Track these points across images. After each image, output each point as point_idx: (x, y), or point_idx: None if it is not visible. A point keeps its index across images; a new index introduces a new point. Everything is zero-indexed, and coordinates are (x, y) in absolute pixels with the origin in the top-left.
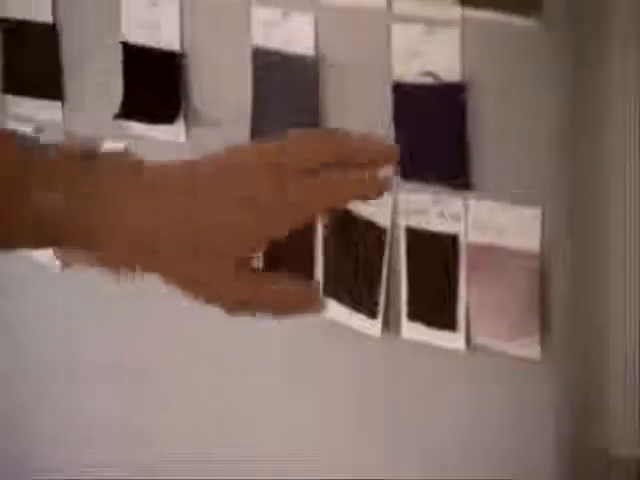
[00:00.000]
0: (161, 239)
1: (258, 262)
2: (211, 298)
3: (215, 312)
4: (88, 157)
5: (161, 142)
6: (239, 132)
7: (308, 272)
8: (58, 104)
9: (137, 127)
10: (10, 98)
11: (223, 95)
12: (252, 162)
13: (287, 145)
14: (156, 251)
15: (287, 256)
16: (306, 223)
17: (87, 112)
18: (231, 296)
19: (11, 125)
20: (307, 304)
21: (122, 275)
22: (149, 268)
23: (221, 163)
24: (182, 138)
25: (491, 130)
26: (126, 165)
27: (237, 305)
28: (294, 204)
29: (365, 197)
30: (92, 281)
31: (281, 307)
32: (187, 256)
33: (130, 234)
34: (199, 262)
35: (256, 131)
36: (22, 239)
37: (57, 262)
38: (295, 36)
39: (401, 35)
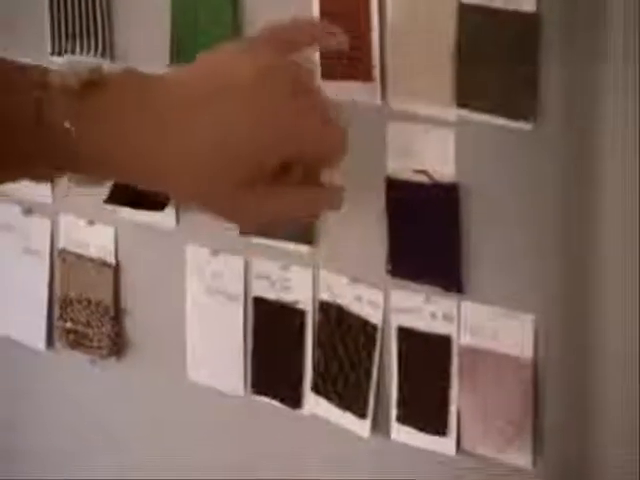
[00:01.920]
0: (173, 157)
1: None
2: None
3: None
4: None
5: (152, 227)
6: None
7: (297, 368)
8: (48, 186)
9: (126, 211)
10: None
11: None
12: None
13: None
14: (170, 171)
15: (276, 352)
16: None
17: (78, 194)
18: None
19: (1, 206)
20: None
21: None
22: (164, 187)
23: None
24: (171, 225)
25: (485, 232)
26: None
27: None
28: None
29: None
30: None
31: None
32: (201, 172)
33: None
34: (210, 179)
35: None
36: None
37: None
38: None
39: (396, 132)
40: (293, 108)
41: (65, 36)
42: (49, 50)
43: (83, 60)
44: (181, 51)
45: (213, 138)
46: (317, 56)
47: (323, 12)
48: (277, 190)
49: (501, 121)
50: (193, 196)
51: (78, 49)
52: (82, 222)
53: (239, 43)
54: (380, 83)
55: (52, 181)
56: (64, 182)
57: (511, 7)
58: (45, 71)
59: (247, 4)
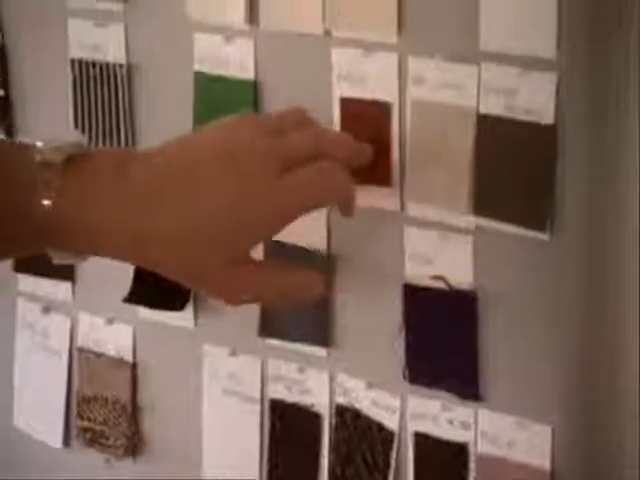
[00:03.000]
0: (158, 232)
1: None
2: (213, 290)
3: None
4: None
5: (170, 327)
6: (249, 322)
7: (313, 472)
8: (68, 284)
9: (145, 310)
10: (20, 276)
11: None
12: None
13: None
14: (154, 244)
15: (291, 455)
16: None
17: (97, 293)
18: (232, 288)
19: (20, 304)
20: (309, 290)
21: None
22: (148, 262)
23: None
24: (190, 325)
25: (503, 340)
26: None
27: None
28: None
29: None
30: None
31: (284, 297)
32: (185, 247)
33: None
34: (197, 254)
35: (265, 325)
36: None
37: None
38: (307, 229)
39: (414, 239)
40: (279, 186)
41: (89, 140)
42: None
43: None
44: None
45: (197, 214)
46: None
47: (344, 116)
48: (263, 269)
49: (518, 230)
50: (178, 271)
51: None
52: (101, 320)
53: (226, 120)
54: (399, 189)
55: (29, 255)
56: (84, 280)
57: (529, 118)
58: (27, 147)
59: (265, 98)
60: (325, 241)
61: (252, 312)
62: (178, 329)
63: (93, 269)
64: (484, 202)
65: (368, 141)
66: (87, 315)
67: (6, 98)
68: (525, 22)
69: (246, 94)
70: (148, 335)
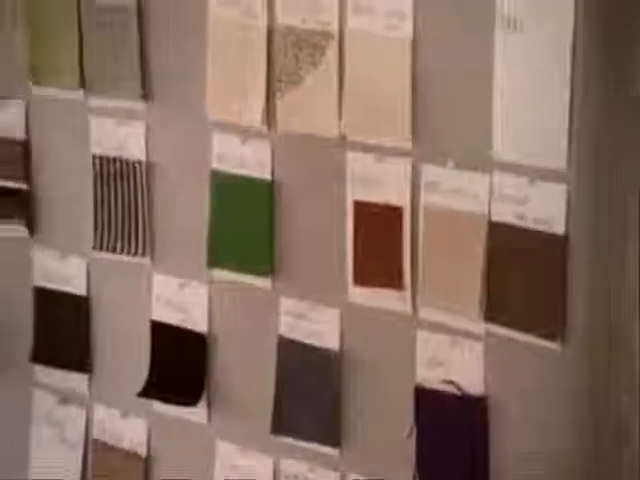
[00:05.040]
0: None
1: None
2: None
3: None
4: None
5: (184, 422)
6: (261, 419)
7: None
8: (85, 376)
9: (159, 405)
10: (38, 367)
11: (248, 383)
12: None
13: None
14: None
15: None
16: None
17: (113, 385)
18: None
19: (37, 395)
20: None
21: None
22: None
23: None
24: (204, 420)
25: (511, 445)
26: None
27: None
28: None
29: None
30: None
31: None
32: None
33: None
34: None
35: (277, 424)
36: None
37: None
38: (321, 329)
39: (425, 342)
40: None
41: (108, 234)
42: (92, 245)
43: (124, 260)
44: (218, 253)
45: None
46: (351, 262)
47: (357, 219)
48: None
49: (529, 338)
50: None
51: (119, 248)
52: (116, 413)
53: None
54: (411, 293)
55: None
56: (100, 372)
57: (540, 227)
58: None
59: (283, 213)
60: (338, 341)
61: (265, 409)
62: (191, 424)
63: (109, 361)
64: (495, 309)
65: (380, 244)
66: (102, 407)
67: (28, 192)
68: (537, 134)
69: (262, 194)
70: (162, 429)
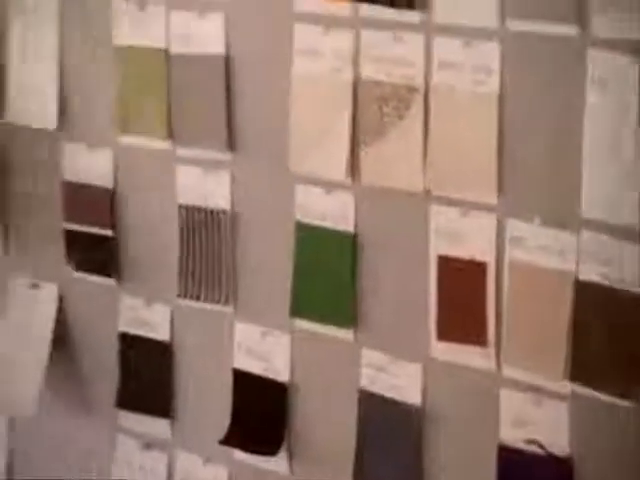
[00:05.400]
0: None
1: None
2: None
3: None
4: None
5: (264, 471)
6: (342, 471)
7: None
8: (168, 422)
9: (240, 453)
10: (122, 413)
11: (328, 434)
12: None
13: None
14: None
15: None
16: None
17: (195, 432)
18: None
19: (120, 440)
20: None
21: None
22: None
23: None
24: (284, 470)
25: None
26: None
27: None
28: None
29: None
30: None
31: None
32: None
33: None
34: None
35: (358, 476)
36: None
37: None
38: (402, 383)
39: (509, 400)
40: None
41: (192, 282)
42: (176, 292)
43: (207, 308)
44: (300, 304)
45: None
46: (434, 316)
47: (440, 274)
48: None
49: (614, 399)
50: None
51: (203, 296)
52: (198, 460)
53: None
54: (495, 350)
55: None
56: (183, 418)
57: (627, 287)
58: None
59: (366, 265)
60: (419, 396)
61: (346, 461)
62: (272, 474)
63: (192, 407)
64: (580, 369)
65: (464, 299)
66: (185, 453)
67: (114, 240)
68: (625, 192)
69: (345, 246)
70: (243, 478)
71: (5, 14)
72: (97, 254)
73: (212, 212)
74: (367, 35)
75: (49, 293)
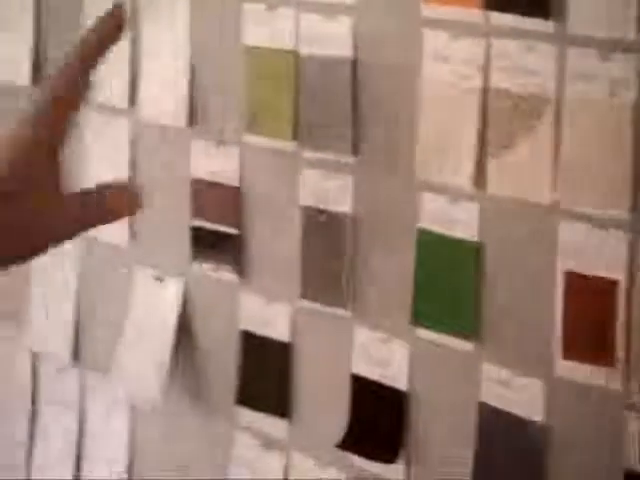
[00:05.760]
0: None
1: None
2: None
3: None
4: None
5: (380, 478)
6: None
7: None
8: (285, 422)
9: (358, 459)
10: (241, 410)
11: (447, 445)
12: None
13: None
14: None
15: None
16: None
17: (312, 435)
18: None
19: (238, 438)
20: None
21: None
22: None
23: None
24: (401, 478)
25: None
26: None
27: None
28: None
29: None
30: None
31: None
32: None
33: None
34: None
35: None
36: None
37: None
38: (524, 399)
39: (637, 424)
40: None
41: (313, 284)
42: (297, 293)
43: (327, 311)
44: (421, 312)
45: None
46: (559, 334)
47: (567, 291)
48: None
49: None
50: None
51: (323, 298)
52: (315, 462)
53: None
54: (623, 371)
55: None
56: (300, 418)
57: None
58: None
59: (490, 277)
60: (542, 413)
61: (464, 473)
62: None
63: (309, 409)
64: None
65: (592, 318)
66: (301, 455)
67: (239, 238)
68: None
69: (469, 256)
70: None
71: (138, 12)
72: (222, 252)
73: (334, 215)
74: (498, 43)
75: (174, 287)
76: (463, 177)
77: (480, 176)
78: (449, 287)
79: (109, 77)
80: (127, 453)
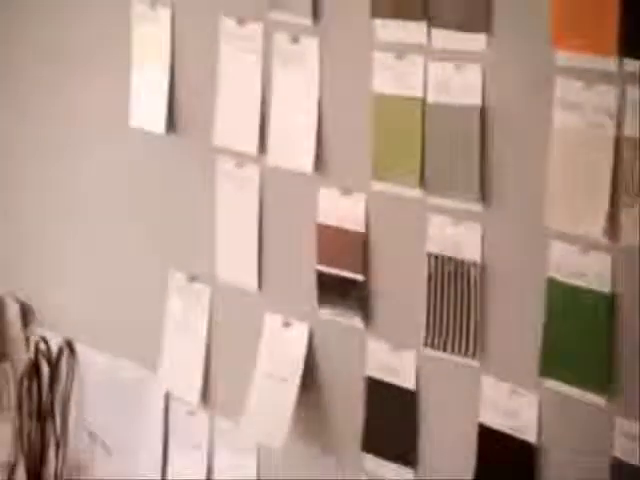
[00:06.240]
0: None
1: None
2: None
3: None
4: None
5: None
6: None
7: None
8: (411, 470)
9: None
10: (367, 456)
11: None
12: None
13: None
14: None
15: None
16: None
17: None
18: None
19: None
20: None
21: None
22: None
23: None
24: None
25: None
26: None
27: None
28: None
29: None
30: None
31: None
32: None
33: None
34: None
35: None
36: None
37: None
38: None
39: None
40: None
41: (439, 332)
42: (422, 341)
43: (454, 359)
44: (550, 363)
45: None
46: None
47: None
48: None
49: None
50: None
51: (449, 347)
52: None
53: None
54: None
55: None
56: (426, 465)
57: None
58: None
59: (623, 329)
60: None
61: None
62: None
63: (434, 458)
64: None
65: None
66: None
67: (365, 284)
68: None
69: (601, 307)
70: None
71: (270, 63)
72: (348, 297)
73: (462, 263)
74: (632, 91)
75: (300, 332)
76: (595, 227)
77: (612, 226)
78: (580, 339)
79: (239, 123)
80: None
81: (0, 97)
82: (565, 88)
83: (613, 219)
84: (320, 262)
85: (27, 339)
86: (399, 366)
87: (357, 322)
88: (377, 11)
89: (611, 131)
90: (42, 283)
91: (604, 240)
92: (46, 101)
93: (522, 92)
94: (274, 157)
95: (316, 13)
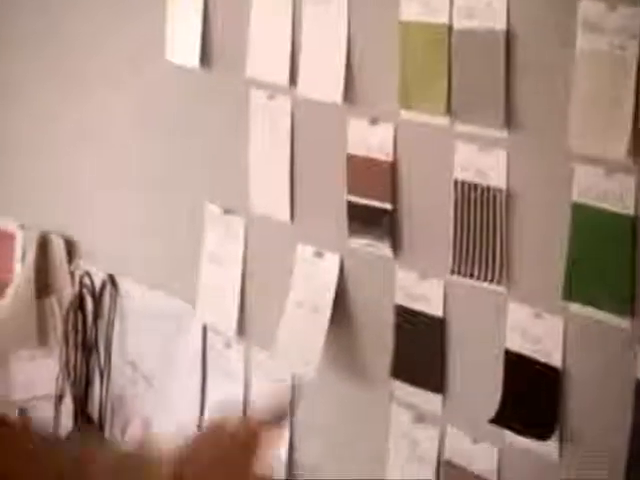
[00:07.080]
0: None
1: None
2: None
3: None
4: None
5: (534, 454)
6: (614, 463)
7: None
8: (439, 397)
9: (510, 434)
10: (396, 383)
11: (602, 424)
12: None
13: None
14: None
15: None
16: None
17: (465, 409)
18: None
19: (394, 411)
20: None
21: None
22: None
23: None
24: (555, 456)
25: None
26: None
27: None
28: None
29: None
30: None
31: None
32: None
33: None
34: None
35: (631, 469)
36: None
37: None
38: None
39: None
40: None
41: (465, 259)
42: (449, 268)
43: (480, 286)
44: (574, 287)
45: None
46: None
47: None
48: None
49: None
50: None
51: (476, 274)
52: (467, 437)
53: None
54: None
55: None
56: (454, 393)
57: None
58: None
59: None
60: None
61: (620, 450)
62: (541, 458)
63: (462, 384)
64: None
65: None
66: (454, 429)
67: (393, 213)
68: None
69: (624, 230)
70: (512, 459)
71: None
72: (377, 227)
73: (487, 189)
74: None
75: (331, 262)
76: (618, 149)
77: (637, 148)
78: (603, 262)
79: (271, 55)
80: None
81: (38, 25)
82: (588, 10)
83: (637, 141)
84: (350, 192)
85: (72, 274)
86: (427, 294)
87: (386, 251)
88: None
89: (634, 52)
90: (82, 219)
91: (628, 162)
92: (81, 34)
93: (546, 15)
94: (305, 88)
95: None
